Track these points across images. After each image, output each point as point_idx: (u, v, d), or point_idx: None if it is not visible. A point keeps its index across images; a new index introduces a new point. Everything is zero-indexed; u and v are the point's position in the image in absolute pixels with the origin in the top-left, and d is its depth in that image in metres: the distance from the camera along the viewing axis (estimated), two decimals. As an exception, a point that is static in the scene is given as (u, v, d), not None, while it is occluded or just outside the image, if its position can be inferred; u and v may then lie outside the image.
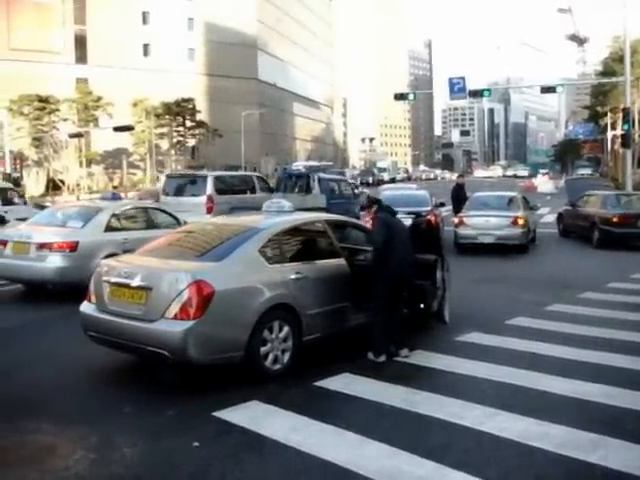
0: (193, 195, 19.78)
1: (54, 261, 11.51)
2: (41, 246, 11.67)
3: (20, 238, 12.12)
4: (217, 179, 20.45)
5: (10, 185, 25.72)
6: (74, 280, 10.99)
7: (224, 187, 20.37)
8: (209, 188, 19.75)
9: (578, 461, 5.01)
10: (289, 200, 11.64)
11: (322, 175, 27.21)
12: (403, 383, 6.88)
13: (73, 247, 11.66)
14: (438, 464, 4.96)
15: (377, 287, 7.79)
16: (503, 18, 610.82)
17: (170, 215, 13.87)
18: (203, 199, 19.27)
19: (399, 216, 8.40)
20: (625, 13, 29.97)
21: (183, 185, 21.15)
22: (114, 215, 12.75)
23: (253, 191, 21.23)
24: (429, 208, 18.45)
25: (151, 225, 13.13)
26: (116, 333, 7.00)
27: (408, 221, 10.07)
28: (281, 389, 6.76)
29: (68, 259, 11.52)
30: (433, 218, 16.99)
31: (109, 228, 12.44)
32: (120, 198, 14.96)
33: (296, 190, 23.12)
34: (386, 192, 22.99)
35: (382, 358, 7.68)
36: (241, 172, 32.55)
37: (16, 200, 21.29)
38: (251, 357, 6.83)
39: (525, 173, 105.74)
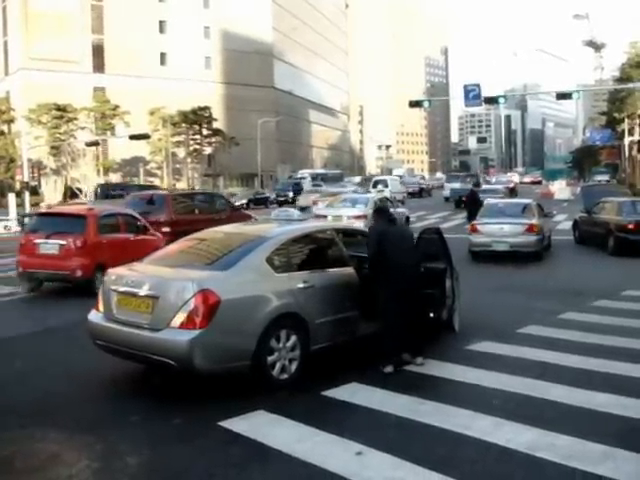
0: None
1: None
2: None
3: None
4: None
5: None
6: None
7: None
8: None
9: (586, 473, 4.92)
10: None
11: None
12: (411, 393, 6.82)
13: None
14: (443, 475, 4.90)
15: (379, 294, 7.77)
16: (520, 24, 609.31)
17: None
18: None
19: None
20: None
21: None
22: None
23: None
24: None
25: None
26: (123, 342, 7.00)
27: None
28: (288, 399, 6.73)
29: None
30: None
31: None
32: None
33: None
34: None
35: (389, 369, 7.59)
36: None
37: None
38: (258, 366, 6.80)
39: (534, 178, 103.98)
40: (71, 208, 18.51)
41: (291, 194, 54.62)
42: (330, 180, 68.80)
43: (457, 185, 46.28)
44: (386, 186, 45.35)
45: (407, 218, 26.90)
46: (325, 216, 22.97)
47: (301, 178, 65.92)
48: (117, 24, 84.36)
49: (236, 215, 20.67)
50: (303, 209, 42.37)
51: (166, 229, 16.54)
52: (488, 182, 64.39)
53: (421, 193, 62.49)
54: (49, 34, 77.84)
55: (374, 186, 46.76)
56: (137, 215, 16.10)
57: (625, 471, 4.96)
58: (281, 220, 8.82)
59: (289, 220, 8.74)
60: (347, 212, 23.26)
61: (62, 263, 13.20)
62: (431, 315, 8.35)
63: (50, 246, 13.58)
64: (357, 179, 77.37)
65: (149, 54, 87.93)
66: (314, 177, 69.94)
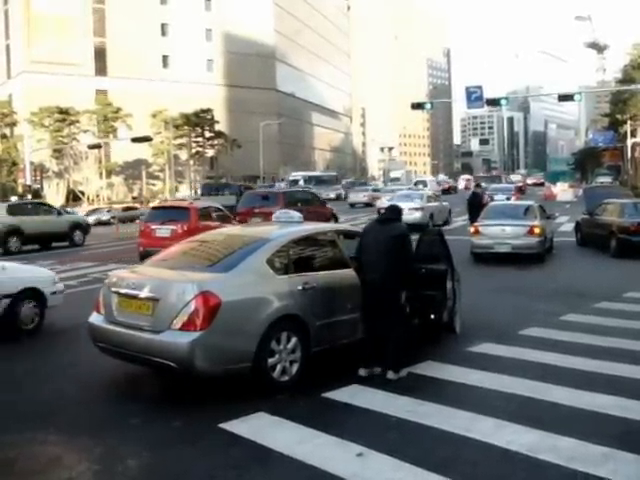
0: None
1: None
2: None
3: None
4: None
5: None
6: None
7: None
8: None
9: (587, 475, 4.90)
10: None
11: None
12: (411, 394, 6.80)
13: None
14: (443, 477, 4.89)
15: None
16: (522, 26, 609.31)
17: None
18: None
19: None
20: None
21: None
22: None
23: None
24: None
25: None
26: (124, 344, 7.00)
27: None
28: (288, 401, 6.73)
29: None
30: None
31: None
32: None
33: None
34: None
35: (362, 372, 7.50)
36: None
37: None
38: (259, 368, 6.79)
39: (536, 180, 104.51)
40: (178, 203, 25.37)
41: None
42: (325, 182, 68.25)
43: (483, 185, 56.41)
44: (425, 185, 55.08)
45: (449, 210, 32.30)
46: None
47: (293, 181, 65.12)
48: (119, 27, 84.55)
49: (322, 208, 28.48)
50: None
51: None
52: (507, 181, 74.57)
53: (449, 190, 70.88)
54: (51, 37, 78.02)
55: (415, 185, 57.02)
56: (222, 207, 21.04)
57: (625, 473, 4.95)
58: (282, 222, 8.82)
59: (290, 222, 8.73)
60: (407, 205, 27.38)
61: (172, 243, 16.26)
62: (432, 317, 8.35)
63: (164, 230, 18.16)
64: (344, 182, 78.40)
65: (151, 57, 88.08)
66: (307, 180, 68.97)
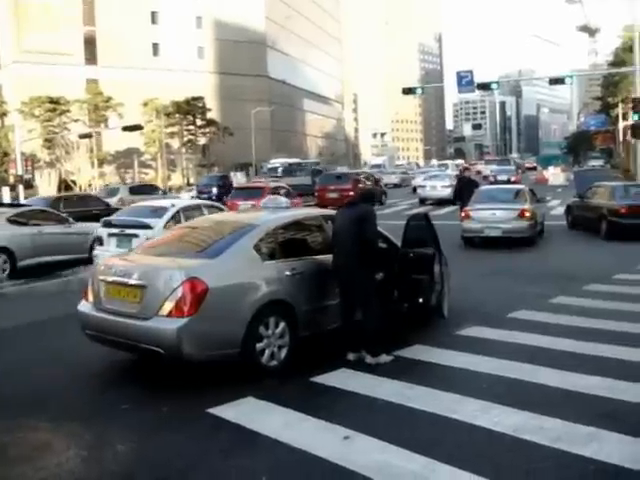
0: None
1: None
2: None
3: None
4: None
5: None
6: None
7: None
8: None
9: (571, 455, 4.95)
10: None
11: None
12: (399, 378, 6.84)
13: None
14: (429, 458, 4.93)
15: None
16: (514, 10, 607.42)
17: None
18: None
19: None
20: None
21: None
22: None
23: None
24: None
25: None
26: (112, 331, 7.02)
27: None
28: (277, 385, 6.76)
29: None
30: None
31: None
32: None
33: None
34: None
35: (350, 356, 7.56)
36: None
37: None
38: (247, 353, 6.82)
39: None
40: (256, 184, 33.17)
41: (215, 190, 43.29)
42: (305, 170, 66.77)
43: (494, 167, 64.28)
44: (447, 167, 64.44)
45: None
46: (424, 186, 36.42)
47: (271, 169, 63.12)
48: (108, 15, 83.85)
49: (377, 185, 36.38)
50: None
51: (351, 193, 26.44)
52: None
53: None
54: (40, 27, 77.36)
55: (439, 167, 67.92)
56: (287, 186, 28.10)
57: (607, 452, 4.98)
58: (270, 208, 8.83)
59: (278, 208, 8.74)
60: (439, 183, 35.42)
61: None
62: (420, 300, 8.37)
63: (246, 206, 21.22)
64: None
65: (141, 45, 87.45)
66: (286, 167, 65.93)
